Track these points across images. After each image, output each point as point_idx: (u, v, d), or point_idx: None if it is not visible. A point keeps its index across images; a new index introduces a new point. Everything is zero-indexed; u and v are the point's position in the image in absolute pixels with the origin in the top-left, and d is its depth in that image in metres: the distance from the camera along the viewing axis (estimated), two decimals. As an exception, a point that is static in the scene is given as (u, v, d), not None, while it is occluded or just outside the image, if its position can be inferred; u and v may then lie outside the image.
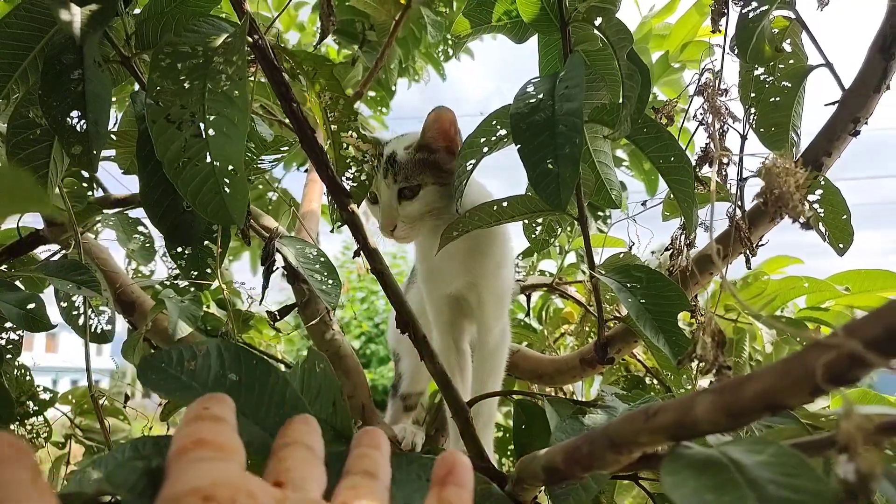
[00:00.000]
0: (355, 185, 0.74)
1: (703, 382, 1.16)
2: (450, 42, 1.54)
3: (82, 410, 1.53)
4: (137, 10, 0.89)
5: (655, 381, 1.14)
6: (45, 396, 1.25)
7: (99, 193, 1.10)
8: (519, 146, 0.65)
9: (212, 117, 0.60)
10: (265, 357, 0.51)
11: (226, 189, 0.61)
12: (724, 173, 0.72)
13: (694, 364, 0.88)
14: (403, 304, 0.70)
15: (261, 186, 1.56)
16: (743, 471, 0.35)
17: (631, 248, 1.06)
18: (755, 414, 0.34)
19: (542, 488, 0.56)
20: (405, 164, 0.92)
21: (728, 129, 0.68)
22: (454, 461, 0.37)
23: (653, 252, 1.11)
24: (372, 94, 1.80)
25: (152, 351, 1.20)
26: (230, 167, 0.61)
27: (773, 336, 1.21)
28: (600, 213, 1.45)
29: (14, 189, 0.18)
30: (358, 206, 0.71)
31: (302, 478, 0.34)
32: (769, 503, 0.32)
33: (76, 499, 0.33)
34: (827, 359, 0.31)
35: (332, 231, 0.89)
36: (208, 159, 0.61)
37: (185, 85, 0.60)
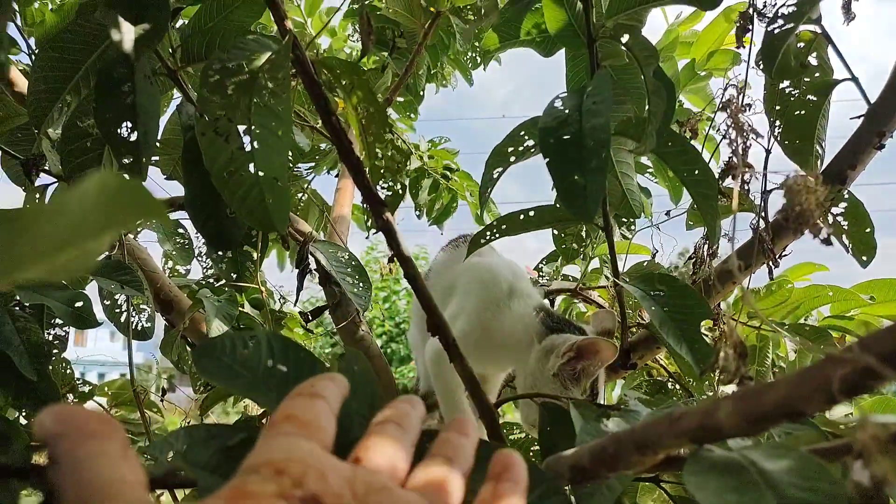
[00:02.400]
0: (389, 193, 0.77)
1: (726, 388, 1.18)
2: (478, 50, 1.57)
3: (118, 402, 1.59)
4: (181, 21, 0.94)
5: (677, 386, 1.16)
6: (85, 389, 1.30)
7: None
8: (548, 160, 0.68)
9: (257, 130, 0.64)
10: (310, 352, 0.54)
11: (269, 199, 0.65)
12: (747, 186, 0.74)
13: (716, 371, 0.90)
14: (434, 307, 0.73)
15: (292, 191, 1.60)
16: (763, 473, 0.37)
17: (654, 255, 1.08)
18: (775, 420, 0.36)
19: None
20: None
21: (751, 144, 0.70)
22: (510, 459, 0.37)
23: (680, 254, 1.13)
24: (400, 99, 1.84)
25: (195, 344, 1.24)
26: (274, 177, 0.64)
27: (797, 344, 1.22)
28: (624, 221, 1.47)
29: (133, 200, 0.21)
30: (392, 215, 0.74)
31: (382, 454, 0.34)
32: (788, 502, 0.34)
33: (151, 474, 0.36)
34: (843, 372, 0.33)
35: (367, 237, 0.92)
36: (253, 170, 0.64)
37: (233, 100, 0.64)
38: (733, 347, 0.48)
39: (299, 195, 1.83)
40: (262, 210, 0.65)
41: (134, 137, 0.73)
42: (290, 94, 0.64)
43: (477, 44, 1.52)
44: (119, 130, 0.73)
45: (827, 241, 0.53)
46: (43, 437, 0.25)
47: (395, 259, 0.72)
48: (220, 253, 0.82)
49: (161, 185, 1.18)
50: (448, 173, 2.09)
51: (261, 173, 0.64)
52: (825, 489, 0.35)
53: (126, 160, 0.73)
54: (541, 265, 1.48)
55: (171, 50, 0.82)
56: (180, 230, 1.08)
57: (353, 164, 0.71)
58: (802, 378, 0.35)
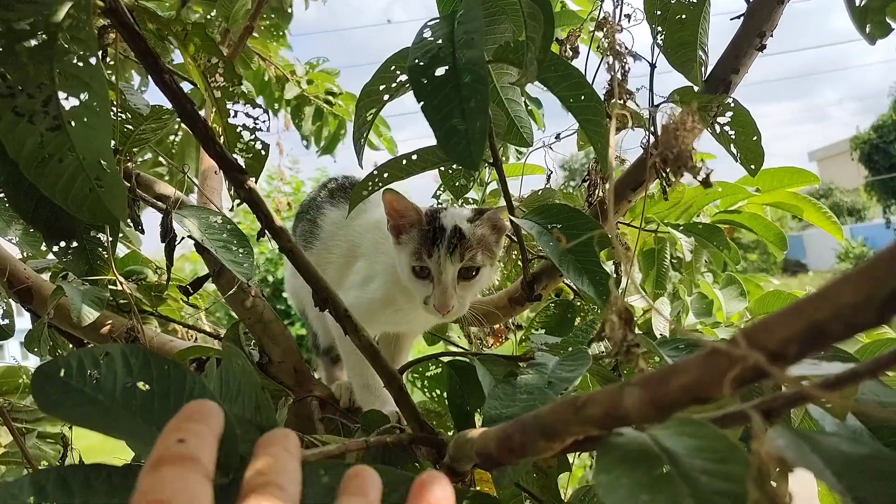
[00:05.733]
0: (250, 155, 0.68)
1: (632, 300, 1.19)
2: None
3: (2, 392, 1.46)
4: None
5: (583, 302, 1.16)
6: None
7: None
8: (421, 103, 0.60)
9: (68, 106, 0.52)
10: (176, 362, 0.47)
11: (99, 185, 0.55)
12: (633, 104, 0.70)
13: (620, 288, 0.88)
14: (319, 280, 0.66)
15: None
16: (675, 462, 0.35)
17: (549, 176, 1.05)
18: (682, 406, 0.34)
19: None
20: (471, 242, 0.90)
21: (635, 61, 0.65)
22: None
23: (563, 166, 1.10)
24: (266, 23, 1.66)
25: (73, 336, 1.12)
26: (99, 159, 0.54)
27: (691, 243, 1.24)
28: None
29: None
30: (256, 181, 0.65)
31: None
32: (702, 497, 0.32)
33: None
34: (736, 370, 0.30)
35: (231, 209, 0.83)
36: (73, 154, 0.54)
37: (30, 70, 0.52)
38: (618, 315, 0.45)
39: (171, 137, 1.66)
40: (94, 199, 0.55)
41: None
42: (101, 63, 0.52)
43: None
44: None
45: (706, 183, 0.51)
46: None
47: (264, 234, 0.65)
48: (62, 244, 0.71)
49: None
50: (331, 98, 1.95)
51: (83, 157, 0.53)
52: (738, 472, 0.33)
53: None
54: (438, 192, 1.42)
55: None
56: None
57: (199, 128, 0.61)
58: (707, 362, 0.32)
